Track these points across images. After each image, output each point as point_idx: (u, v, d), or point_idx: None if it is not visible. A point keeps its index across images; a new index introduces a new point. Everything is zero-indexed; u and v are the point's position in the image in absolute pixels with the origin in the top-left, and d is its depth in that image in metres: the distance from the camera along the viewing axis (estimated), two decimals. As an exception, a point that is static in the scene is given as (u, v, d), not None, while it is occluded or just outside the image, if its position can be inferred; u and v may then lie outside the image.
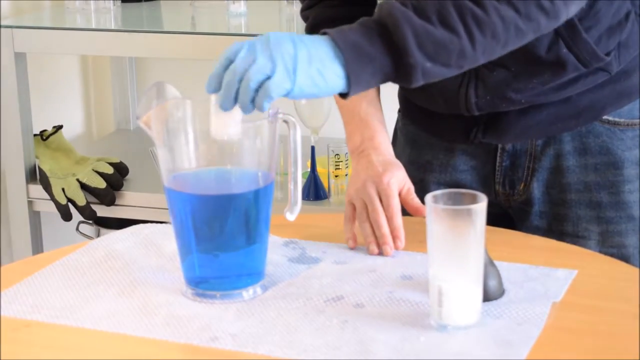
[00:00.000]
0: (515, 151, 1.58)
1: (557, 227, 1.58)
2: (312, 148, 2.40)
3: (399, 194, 1.48)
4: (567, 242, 1.54)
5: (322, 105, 2.39)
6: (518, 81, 1.50)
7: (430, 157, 1.64)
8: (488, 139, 1.58)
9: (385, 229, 1.44)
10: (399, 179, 1.49)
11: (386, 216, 1.45)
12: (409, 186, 1.50)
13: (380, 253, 1.43)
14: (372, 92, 1.59)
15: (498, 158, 1.59)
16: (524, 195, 1.59)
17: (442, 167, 1.63)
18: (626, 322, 1.22)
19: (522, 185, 1.59)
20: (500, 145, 1.58)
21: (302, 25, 1.69)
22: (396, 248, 1.43)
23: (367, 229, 1.45)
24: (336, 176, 2.39)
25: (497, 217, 1.61)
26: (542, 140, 1.56)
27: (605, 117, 1.55)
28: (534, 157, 1.57)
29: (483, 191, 1.58)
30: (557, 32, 1.46)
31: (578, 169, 1.56)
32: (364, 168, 1.51)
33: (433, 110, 1.61)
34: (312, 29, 1.67)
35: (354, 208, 1.49)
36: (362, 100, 1.58)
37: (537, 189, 1.58)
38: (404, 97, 1.70)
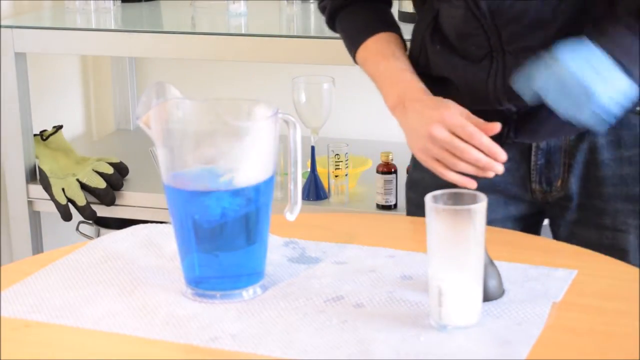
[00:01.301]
0: (549, 148, 1.57)
1: (597, 221, 1.57)
2: (312, 148, 2.40)
3: None
4: (608, 236, 1.54)
5: (322, 105, 2.39)
6: None
7: None
8: (520, 139, 1.56)
9: (486, 158, 1.43)
10: (455, 108, 1.46)
11: (474, 145, 1.43)
12: (466, 112, 1.46)
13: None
14: (389, 48, 1.58)
15: (533, 157, 1.58)
16: (562, 191, 1.58)
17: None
18: (626, 322, 1.22)
19: (560, 181, 1.58)
20: (534, 144, 1.57)
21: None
22: (502, 162, 1.43)
23: (467, 168, 1.44)
24: (336, 176, 2.39)
25: (531, 219, 1.61)
26: (576, 135, 1.55)
27: (638, 108, 1.53)
28: (569, 153, 1.56)
29: (519, 191, 1.59)
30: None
31: (613, 162, 1.55)
32: (416, 120, 1.48)
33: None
34: (330, 18, 1.68)
35: (437, 160, 1.46)
36: (380, 60, 1.57)
37: (574, 184, 1.57)
38: None
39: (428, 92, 1.52)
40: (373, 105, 2.82)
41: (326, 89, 2.39)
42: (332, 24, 1.70)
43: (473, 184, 1.44)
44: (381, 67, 1.58)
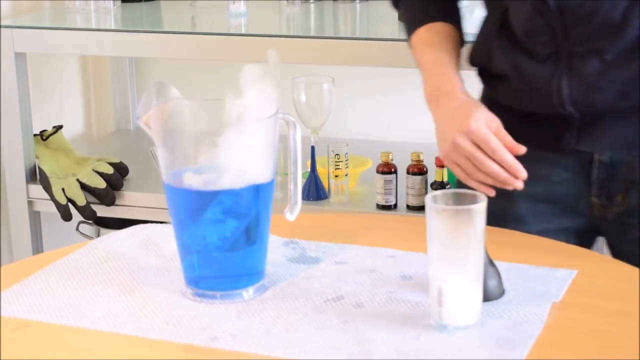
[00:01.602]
0: (612, 162, 1.51)
1: None
2: (312, 148, 2.40)
3: None
4: None
5: (322, 105, 2.39)
6: (613, 70, 1.45)
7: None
8: (582, 146, 1.51)
9: (504, 173, 1.41)
10: (484, 119, 1.42)
11: (494, 160, 1.41)
12: (496, 124, 1.43)
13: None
14: (438, 39, 1.56)
15: (594, 170, 1.52)
16: (622, 206, 1.53)
17: (532, 178, 1.50)
18: (626, 322, 1.22)
19: (621, 196, 1.52)
20: (596, 157, 1.52)
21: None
22: (523, 179, 1.41)
23: (486, 179, 1.42)
24: (336, 176, 2.39)
25: (585, 235, 1.57)
26: None
27: None
28: (632, 168, 1.51)
29: (577, 203, 1.54)
30: None
31: None
32: (445, 122, 1.46)
33: (519, 109, 1.54)
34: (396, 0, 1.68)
35: (459, 166, 1.45)
36: (426, 50, 1.55)
37: (637, 200, 1.51)
38: (489, 99, 1.60)
39: (464, 90, 1.49)
40: (373, 105, 2.83)
41: (326, 89, 2.39)
42: (395, 2, 1.68)
43: (491, 193, 1.42)
44: (425, 57, 1.55)
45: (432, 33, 1.58)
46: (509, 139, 1.42)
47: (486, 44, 1.57)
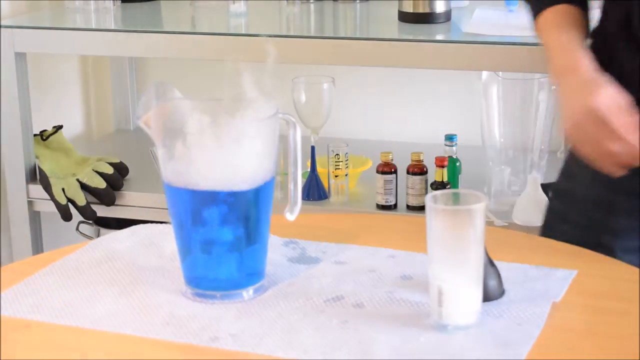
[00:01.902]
0: None
1: None
2: (312, 148, 2.40)
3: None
4: None
5: (322, 105, 2.39)
6: None
7: (620, 178, 1.43)
8: None
9: (625, 155, 1.35)
10: (607, 97, 1.36)
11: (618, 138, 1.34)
12: (624, 101, 1.36)
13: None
14: (563, 20, 1.52)
15: None
16: None
17: (634, 190, 1.50)
18: (626, 322, 1.22)
19: None
20: None
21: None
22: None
23: (609, 159, 1.37)
24: (336, 176, 2.39)
25: None
26: None
27: None
28: None
29: None
30: None
31: None
32: (568, 98, 1.40)
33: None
34: None
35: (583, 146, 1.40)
36: (551, 32, 1.51)
37: None
38: None
39: (591, 66, 1.43)
40: (373, 105, 2.83)
41: (326, 89, 2.39)
42: None
43: (618, 173, 1.37)
44: (551, 37, 1.51)
45: (558, 15, 1.54)
46: (636, 117, 1.36)
47: (605, 45, 1.53)
